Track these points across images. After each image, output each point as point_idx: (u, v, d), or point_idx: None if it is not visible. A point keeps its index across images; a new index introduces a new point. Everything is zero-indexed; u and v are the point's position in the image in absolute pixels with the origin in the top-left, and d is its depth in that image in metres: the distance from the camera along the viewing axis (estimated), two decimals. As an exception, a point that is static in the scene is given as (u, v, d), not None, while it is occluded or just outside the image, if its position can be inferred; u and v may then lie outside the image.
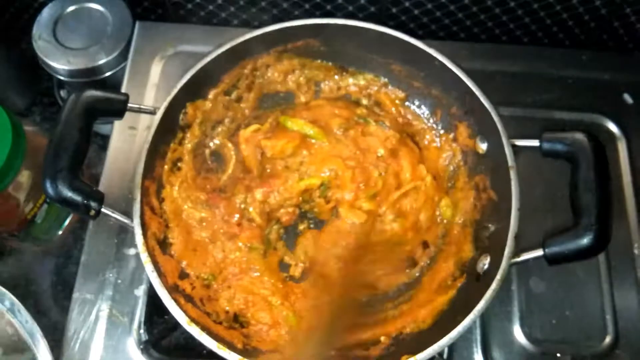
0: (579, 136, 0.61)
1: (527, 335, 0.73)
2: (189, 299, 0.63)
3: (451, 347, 0.72)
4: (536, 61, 0.91)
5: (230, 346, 0.57)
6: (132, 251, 0.74)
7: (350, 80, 0.80)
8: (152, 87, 0.85)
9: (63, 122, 0.60)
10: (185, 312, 0.57)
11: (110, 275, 0.73)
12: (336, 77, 0.80)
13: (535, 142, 0.64)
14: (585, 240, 0.57)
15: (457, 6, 0.91)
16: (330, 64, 0.80)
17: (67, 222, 0.88)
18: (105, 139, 0.85)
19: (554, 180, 0.77)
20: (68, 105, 0.60)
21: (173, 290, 0.59)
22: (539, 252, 0.60)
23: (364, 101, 0.81)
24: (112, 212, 0.60)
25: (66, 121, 0.59)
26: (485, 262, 0.65)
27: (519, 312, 0.75)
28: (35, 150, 0.75)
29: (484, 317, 0.74)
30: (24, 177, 0.75)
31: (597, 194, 0.58)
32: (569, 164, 0.62)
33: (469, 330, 0.72)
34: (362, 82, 0.80)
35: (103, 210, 0.59)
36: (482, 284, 0.62)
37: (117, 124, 0.83)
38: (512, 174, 0.64)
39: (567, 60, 0.92)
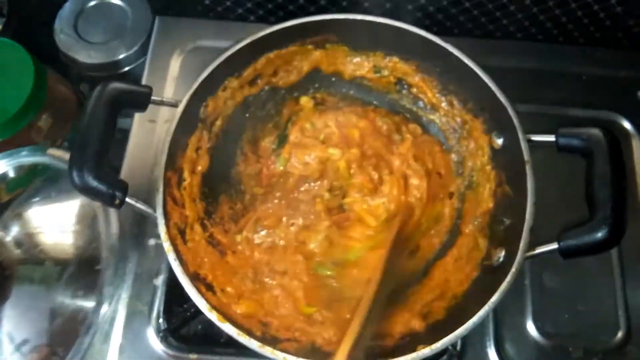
0: (595, 131, 0.62)
1: (540, 330, 0.74)
2: (210, 287, 0.64)
3: (464, 340, 0.73)
4: (551, 58, 0.92)
5: (250, 334, 0.58)
6: (151, 241, 0.76)
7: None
8: (171, 81, 0.87)
9: (89, 114, 0.61)
10: (206, 299, 0.58)
11: (130, 264, 0.75)
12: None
13: (551, 137, 0.65)
14: (600, 234, 0.58)
15: (472, 3, 0.91)
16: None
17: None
18: (124, 133, 0.87)
19: (568, 177, 0.77)
20: (93, 97, 0.61)
21: (194, 278, 0.61)
22: (554, 246, 0.60)
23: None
24: (136, 202, 0.61)
25: (92, 113, 0.61)
26: (500, 255, 0.66)
27: (531, 306, 0.75)
28: (56, 97, 0.82)
29: (497, 311, 0.75)
30: (44, 121, 0.81)
31: (612, 188, 0.59)
32: (584, 160, 0.63)
33: (483, 324, 0.73)
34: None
35: (127, 200, 0.61)
36: (496, 277, 0.62)
37: (137, 117, 0.84)
38: (528, 169, 0.65)
39: (582, 57, 0.92)
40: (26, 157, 0.76)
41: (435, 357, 0.71)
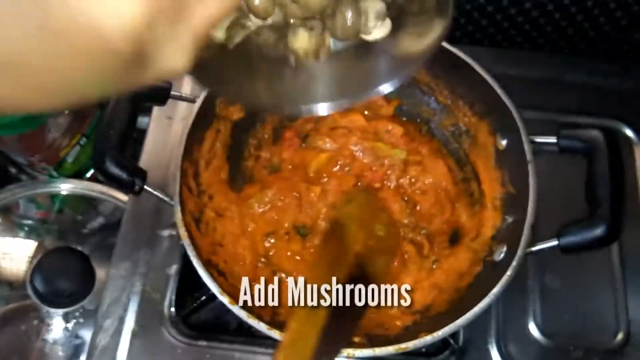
0: (595, 133, 0.65)
1: (541, 329, 0.76)
2: (221, 273, 0.66)
3: (466, 338, 0.74)
4: (555, 68, 0.94)
5: (259, 318, 0.60)
6: (165, 232, 0.78)
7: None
8: (188, 78, 0.90)
9: (112, 107, 0.65)
10: (218, 284, 0.61)
11: (145, 254, 0.77)
12: None
13: (552, 139, 0.67)
14: (598, 231, 0.60)
15: (480, 14, 0.94)
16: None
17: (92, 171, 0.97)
18: (140, 132, 0.90)
19: (569, 180, 0.79)
20: (116, 91, 0.65)
21: (207, 264, 0.63)
22: (554, 242, 0.63)
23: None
24: (154, 190, 0.64)
25: (115, 106, 0.65)
26: (502, 251, 0.68)
27: (533, 306, 0.77)
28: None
29: (499, 310, 0.76)
30: (63, 117, 0.85)
31: (611, 187, 0.61)
32: (585, 161, 0.65)
33: (485, 322, 0.74)
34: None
35: (146, 187, 0.64)
36: (498, 272, 0.64)
37: (155, 115, 0.87)
38: (530, 168, 0.67)
39: (587, 68, 0.94)
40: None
41: (436, 353, 0.73)
